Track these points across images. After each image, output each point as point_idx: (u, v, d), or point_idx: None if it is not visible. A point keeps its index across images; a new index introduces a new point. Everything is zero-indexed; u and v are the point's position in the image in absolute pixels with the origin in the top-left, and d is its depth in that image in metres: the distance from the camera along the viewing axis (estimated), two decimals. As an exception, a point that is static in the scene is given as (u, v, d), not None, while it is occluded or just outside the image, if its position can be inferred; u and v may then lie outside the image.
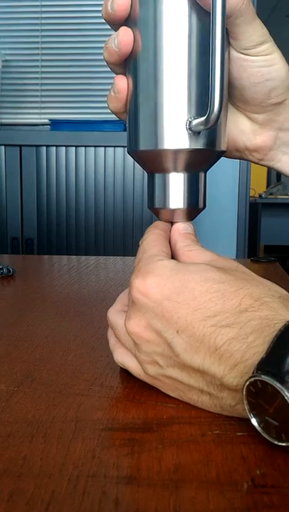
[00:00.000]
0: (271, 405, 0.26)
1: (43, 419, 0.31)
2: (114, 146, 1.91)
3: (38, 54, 2.40)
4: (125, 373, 0.38)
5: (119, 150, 1.91)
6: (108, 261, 0.94)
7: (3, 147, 1.94)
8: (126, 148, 0.41)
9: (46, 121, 2.29)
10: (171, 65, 0.36)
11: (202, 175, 0.40)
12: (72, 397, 0.34)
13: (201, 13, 0.36)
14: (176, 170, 0.39)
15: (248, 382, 0.27)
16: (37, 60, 2.40)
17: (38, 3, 2.37)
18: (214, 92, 0.34)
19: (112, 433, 0.29)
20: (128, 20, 0.37)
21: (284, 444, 0.27)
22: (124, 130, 2.03)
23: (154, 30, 0.36)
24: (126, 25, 0.37)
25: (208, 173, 0.41)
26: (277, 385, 0.26)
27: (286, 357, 0.26)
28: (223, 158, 0.41)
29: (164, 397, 0.34)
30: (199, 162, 0.39)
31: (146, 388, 0.35)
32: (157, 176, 0.40)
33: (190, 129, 0.36)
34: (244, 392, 0.28)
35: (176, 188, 0.39)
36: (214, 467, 0.26)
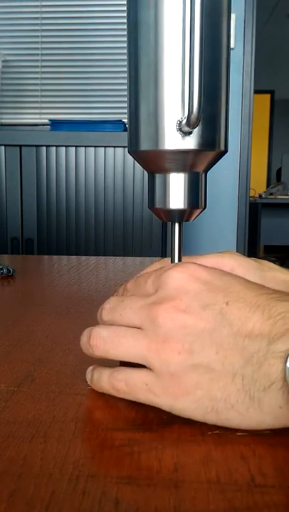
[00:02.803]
0: None
1: (43, 419, 0.31)
2: (114, 146, 1.91)
3: (38, 54, 2.40)
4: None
5: (119, 150, 1.91)
6: (108, 261, 0.94)
7: (3, 147, 1.94)
8: (126, 149, 0.41)
9: (46, 121, 2.29)
10: (169, 66, 0.36)
11: (202, 175, 0.40)
12: (72, 397, 0.34)
13: (201, 16, 0.36)
14: (176, 170, 0.39)
15: None
16: (37, 60, 2.41)
17: (38, 3, 2.37)
18: (193, 94, 0.34)
19: (112, 433, 0.29)
20: (128, 23, 0.38)
21: None
22: (124, 130, 2.03)
23: (154, 33, 0.36)
24: (126, 29, 0.37)
25: (208, 173, 0.41)
26: None
27: None
28: (223, 159, 0.41)
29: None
30: (200, 162, 0.39)
31: (146, 388, 0.35)
32: (158, 176, 0.40)
33: (180, 129, 0.37)
34: None
35: (176, 188, 0.39)
36: (214, 467, 0.26)
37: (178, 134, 0.37)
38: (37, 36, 2.40)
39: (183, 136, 0.37)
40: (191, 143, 0.37)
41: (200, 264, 0.33)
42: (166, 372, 0.30)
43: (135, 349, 0.32)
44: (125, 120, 2.00)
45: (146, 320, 0.32)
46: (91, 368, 0.35)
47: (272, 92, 7.61)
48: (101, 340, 0.33)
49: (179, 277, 0.32)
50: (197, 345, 0.30)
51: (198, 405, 0.30)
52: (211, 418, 0.30)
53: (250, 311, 0.30)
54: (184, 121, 0.36)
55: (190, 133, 0.37)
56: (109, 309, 0.35)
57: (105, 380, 0.33)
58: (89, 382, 0.35)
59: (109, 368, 0.34)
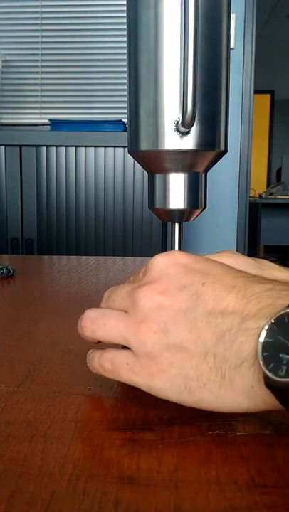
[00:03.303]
0: None
1: (43, 419, 0.31)
2: (114, 146, 1.91)
3: (38, 54, 2.40)
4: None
5: (119, 150, 1.91)
6: (108, 261, 0.94)
7: (3, 147, 1.94)
8: (126, 149, 0.41)
9: (46, 121, 2.29)
10: (168, 67, 0.36)
11: (202, 175, 0.40)
12: (72, 397, 0.34)
13: (201, 18, 0.36)
14: (176, 170, 0.39)
15: (274, 317, 0.27)
16: (37, 60, 2.41)
17: (38, 3, 2.37)
18: (187, 93, 0.35)
19: (112, 433, 0.29)
20: (128, 23, 0.38)
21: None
22: (124, 130, 2.03)
23: (154, 33, 0.36)
24: (126, 29, 0.37)
25: (208, 173, 0.41)
26: None
27: None
28: (223, 159, 0.41)
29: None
30: (199, 162, 0.39)
31: (146, 388, 0.35)
32: (158, 176, 0.40)
33: (177, 130, 0.37)
34: (265, 329, 0.27)
35: (176, 188, 0.39)
36: (214, 467, 0.26)
37: (177, 134, 0.37)
38: (37, 36, 2.40)
39: (181, 136, 0.37)
40: (190, 143, 0.37)
41: (184, 252, 0.34)
42: (143, 352, 0.31)
43: (116, 329, 0.33)
44: (125, 120, 2.00)
45: (130, 303, 0.33)
46: (90, 351, 0.36)
47: (272, 92, 7.61)
48: (89, 321, 0.35)
49: (162, 261, 0.33)
50: (171, 325, 0.30)
51: (172, 384, 0.30)
52: (185, 398, 0.30)
53: (225, 291, 0.30)
54: (179, 122, 0.36)
55: (187, 133, 0.37)
56: (106, 296, 0.37)
57: (95, 360, 0.34)
58: (88, 364, 0.36)
59: (101, 349, 0.35)
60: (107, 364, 0.33)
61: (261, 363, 0.26)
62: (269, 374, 0.26)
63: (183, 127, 0.36)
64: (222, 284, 0.30)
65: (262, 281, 0.30)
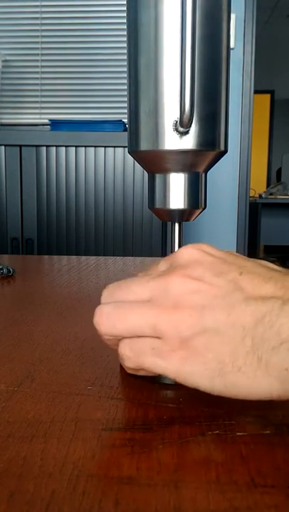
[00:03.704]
0: None
1: (43, 419, 0.31)
2: (114, 146, 1.91)
3: (38, 54, 2.40)
4: (125, 373, 0.38)
5: (119, 150, 1.91)
6: (108, 261, 0.94)
7: (3, 147, 1.94)
8: (126, 149, 0.41)
9: (46, 121, 2.29)
10: (168, 67, 0.36)
11: (202, 175, 0.40)
12: (72, 397, 0.34)
13: (201, 18, 0.36)
14: (176, 170, 0.39)
15: None
16: (37, 60, 2.41)
17: (38, 3, 2.37)
18: (185, 93, 0.35)
19: (112, 433, 0.29)
20: (128, 23, 0.38)
21: None
22: (124, 130, 2.03)
23: (154, 34, 0.36)
24: (126, 29, 0.37)
25: (208, 173, 0.41)
26: None
27: None
28: (223, 159, 0.41)
29: (164, 397, 0.34)
30: (199, 162, 0.39)
31: (146, 388, 0.35)
32: (158, 176, 0.40)
33: (176, 130, 0.37)
34: None
35: (176, 188, 0.39)
36: (214, 467, 0.26)
37: (176, 134, 0.37)
38: (37, 36, 2.40)
39: (180, 136, 0.37)
40: (190, 143, 0.37)
41: (212, 245, 0.34)
42: (176, 337, 0.30)
43: (144, 318, 0.31)
44: (125, 120, 2.00)
45: (156, 289, 0.31)
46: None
47: (272, 92, 7.61)
48: (105, 317, 0.33)
49: (193, 252, 0.33)
50: (208, 309, 0.29)
51: (205, 369, 0.29)
52: (217, 384, 0.29)
53: (263, 281, 0.30)
54: (178, 122, 0.36)
55: (186, 133, 0.37)
56: (112, 288, 0.35)
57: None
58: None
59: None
60: (126, 350, 0.32)
61: None
62: None
63: (181, 127, 0.36)
64: (259, 275, 0.30)
65: None
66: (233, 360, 0.28)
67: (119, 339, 0.33)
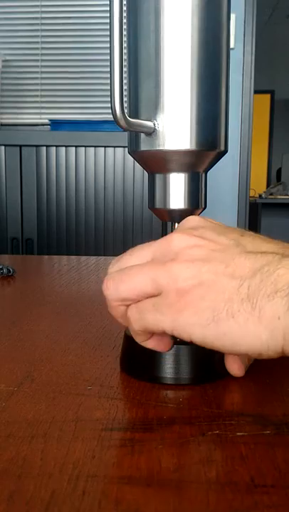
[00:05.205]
0: None
1: (43, 419, 0.31)
2: (114, 146, 1.91)
3: (38, 54, 2.40)
4: (125, 373, 0.38)
5: (119, 150, 1.91)
6: (108, 261, 0.94)
7: (3, 147, 1.94)
8: (126, 149, 0.41)
9: (46, 121, 2.29)
10: (168, 67, 0.36)
11: (202, 175, 0.40)
12: (72, 397, 0.34)
13: (201, 18, 0.36)
14: (176, 170, 0.39)
15: None
16: (37, 60, 2.40)
17: (38, 3, 2.37)
18: (114, 92, 0.34)
19: (112, 433, 0.29)
20: (129, 24, 0.38)
21: None
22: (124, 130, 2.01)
23: (154, 36, 0.36)
24: (126, 29, 0.37)
25: (208, 173, 0.41)
26: None
27: None
28: (223, 159, 0.41)
29: (164, 397, 0.34)
30: (200, 162, 0.39)
31: (146, 388, 0.35)
32: (158, 176, 0.40)
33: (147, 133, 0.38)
34: None
35: (176, 188, 0.39)
36: (214, 467, 0.26)
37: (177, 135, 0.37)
38: (37, 36, 2.39)
39: (190, 136, 0.37)
40: (190, 143, 0.37)
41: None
42: (173, 289, 0.30)
43: (144, 273, 0.31)
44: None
45: (158, 249, 0.32)
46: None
47: (272, 92, 7.60)
48: (111, 280, 0.33)
49: (196, 219, 0.34)
50: (206, 262, 0.30)
51: (199, 317, 0.29)
52: (209, 333, 0.29)
53: (263, 242, 0.31)
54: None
55: (151, 134, 0.37)
56: (118, 258, 0.35)
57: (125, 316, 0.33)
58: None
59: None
60: (133, 312, 0.32)
61: None
62: None
63: (119, 127, 0.36)
64: (260, 238, 0.32)
65: None
66: (228, 308, 0.29)
67: (126, 305, 0.33)
